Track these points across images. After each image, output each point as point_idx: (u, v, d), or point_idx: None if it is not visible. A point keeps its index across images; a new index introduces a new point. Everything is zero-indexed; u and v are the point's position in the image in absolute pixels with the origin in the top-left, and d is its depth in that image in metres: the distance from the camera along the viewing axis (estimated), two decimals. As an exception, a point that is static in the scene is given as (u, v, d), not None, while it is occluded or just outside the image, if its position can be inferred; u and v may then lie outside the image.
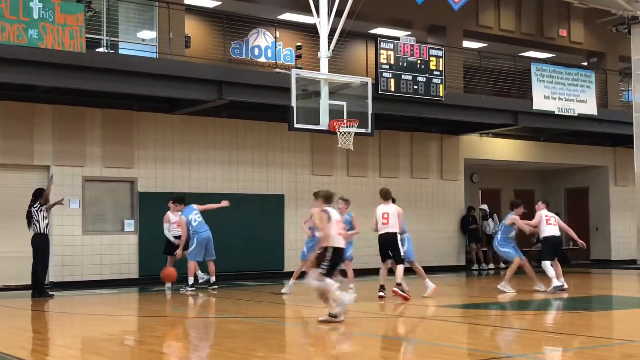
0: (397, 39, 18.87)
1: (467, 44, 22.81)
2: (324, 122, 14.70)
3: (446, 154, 21.95)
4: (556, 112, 20.94)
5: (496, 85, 21.72)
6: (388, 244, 12.96)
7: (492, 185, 25.84)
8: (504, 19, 22.93)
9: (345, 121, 14.76)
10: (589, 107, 21.58)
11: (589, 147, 24.81)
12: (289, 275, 18.37)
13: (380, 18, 21.00)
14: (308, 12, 15.45)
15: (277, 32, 19.28)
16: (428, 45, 19.35)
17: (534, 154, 24.07)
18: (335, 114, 14.83)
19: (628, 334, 9.56)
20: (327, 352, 8.39)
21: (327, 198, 10.41)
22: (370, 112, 15.19)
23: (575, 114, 21.30)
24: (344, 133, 14.77)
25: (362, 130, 15.09)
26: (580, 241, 14.52)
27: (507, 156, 23.68)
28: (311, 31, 16.55)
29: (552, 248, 14.34)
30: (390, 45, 18.40)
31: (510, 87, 21.63)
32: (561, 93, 21.02)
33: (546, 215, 14.49)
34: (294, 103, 14.27)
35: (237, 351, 8.01)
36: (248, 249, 18.30)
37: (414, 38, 19.24)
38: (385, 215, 12.89)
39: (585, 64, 25.29)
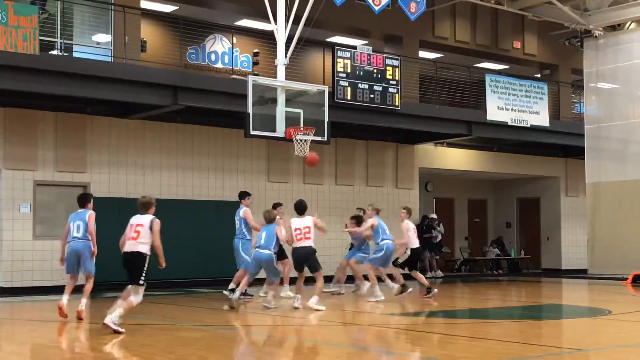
0: (354, 47, 18.97)
1: (423, 54, 23.03)
2: (280, 130, 14.69)
3: (401, 163, 22.11)
4: (509, 123, 21.26)
5: (451, 96, 21.96)
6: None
7: (446, 194, 26.11)
8: (459, 30, 23.21)
9: (301, 129, 14.77)
10: (542, 119, 21.95)
11: (541, 158, 25.23)
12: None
13: (338, 27, 21.09)
14: (266, 19, 15.45)
15: (234, 38, 19.23)
16: (384, 55, 19.50)
17: (487, 164, 24.39)
18: (291, 121, 14.83)
19: (577, 343, 9.72)
20: (280, 360, 8.37)
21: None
22: (326, 120, 15.23)
23: (528, 125, 21.64)
24: (301, 141, 14.78)
25: (319, 138, 15.11)
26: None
27: (461, 166, 23.96)
28: (269, 38, 16.55)
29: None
30: (347, 54, 18.50)
31: (464, 98, 21.90)
32: (514, 104, 21.35)
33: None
34: (250, 110, 14.23)
35: (189, 359, 7.94)
36: (203, 256, 18.16)
37: (371, 47, 19.38)
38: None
39: (539, 76, 25.72)
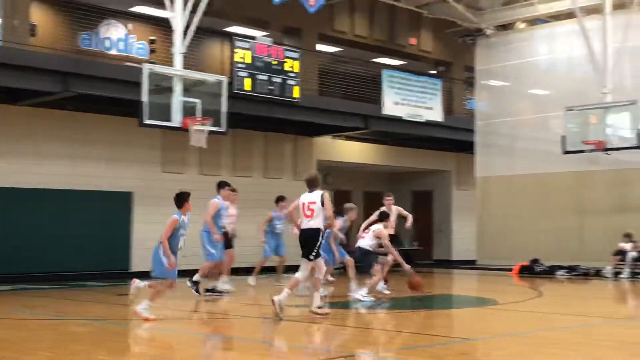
0: (254, 38, 18.88)
1: (322, 47, 23.17)
2: (176, 119, 14.43)
3: (300, 155, 22.20)
4: (405, 118, 21.67)
5: (349, 90, 22.20)
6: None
7: (344, 186, 26.39)
8: (358, 25, 23.46)
9: (198, 119, 14.59)
10: (436, 114, 22.48)
11: (434, 152, 25.85)
12: (135, 275, 17.99)
13: (237, 17, 20.94)
14: (162, 6, 15.15)
15: (130, 25, 18.78)
16: (284, 47, 19.50)
17: (383, 157, 24.81)
18: (188, 111, 14.59)
19: (465, 332, 10.04)
20: (168, 355, 8.26)
21: None
22: (224, 110, 15.08)
23: (423, 120, 22.13)
24: (197, 131, 14.59)
25: (216, 129, 14.94)
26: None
27: (358, 158, 24.28)
28: (166, 26, 16.24)
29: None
30: (247, 45, 18.40)
31: (362, 92, 22.17)
32: (410, 99, 21.78)
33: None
34: (145, 98, 13.93)
35: (78, 354, 7.74)
36: (93, 248, 17.71)
37: (271, 39, 19.34)
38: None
39: (433, 72, 26.32)
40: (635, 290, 16.29)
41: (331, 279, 15.08)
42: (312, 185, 10.64)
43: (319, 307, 10.57)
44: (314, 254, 10.47)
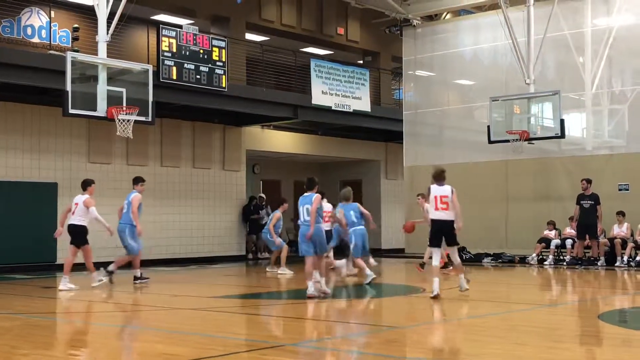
0: (180, 27, 18.63)
1: (249, 36, 23.03)
2: (101, 109, 14.16)
3: (228, 145, 22.04)
4: (333, 108, 21.76)
5: (278, 79, 22.13)
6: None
7: (273, 176, 26.36)
8: (285, 14, 23.39)
9: (124, 108, 14.33)
10: (364, 104, 22.64)
11: (363, 142, 26.03)
12: (61, 267, 17.61)
13: (163, 4, 20.62)
14: (86, -7, 14.81)
15: (53, 12, 18.27)
16: (211, 36, 19.30)
17: (313, 147, 24.86)
18: (114, 100, 14.34)
19: (394, 320, 10.16)
20: (95, 347, 8.11)
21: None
22: (150, 99, 14.87)
23: (351, 110, 22.26)
24: (123, 120, 14.34)
25: (143, 119, 14.73)
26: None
27: (288, 148, 24.26)
28: (90, 13, 15.87)
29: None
30: (173, 33, 18.16)
31: (290, 82, 22.14)
32: (338, 89, 21.87)
33: None
34: (69, 87, 13.62)
35: (0, 349, 7.52)
36: (16, 240, 17.23)
37: (197, 27, 19.11)
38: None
39: (361, 62, 26.47)
40: (558, 277, 16.77)
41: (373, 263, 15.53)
42: (441, 178, 11.51)
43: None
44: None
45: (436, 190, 11.39)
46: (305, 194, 11.84)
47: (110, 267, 13.82)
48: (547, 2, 19.89)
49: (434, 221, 11.51)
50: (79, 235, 13.25)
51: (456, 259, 11.79)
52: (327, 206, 14.92)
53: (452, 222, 11.40)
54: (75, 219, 13.31)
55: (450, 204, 11.27)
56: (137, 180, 14.62)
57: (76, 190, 18.24)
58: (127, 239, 13.97)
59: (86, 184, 13.67)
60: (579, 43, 20.08)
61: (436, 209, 11.34)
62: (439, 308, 11.20)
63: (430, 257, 12.49)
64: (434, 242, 11.54)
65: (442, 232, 11.42)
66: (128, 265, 14.49)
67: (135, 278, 14.26)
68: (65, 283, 13.11)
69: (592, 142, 20.33)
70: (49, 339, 8.83)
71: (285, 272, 16.04)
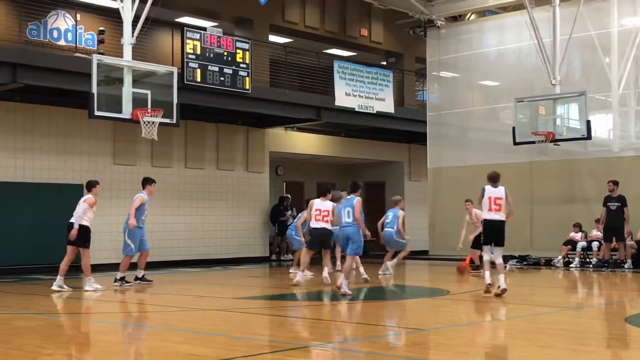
0: (204, 29, 18.71)
1: (273, 38, 23.07)
2: (126, 111, 14.25)
3: (252, 147, 22.10)
4: (357, 109, 21.73)
5: (301, 81, 22.15)
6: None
7: (296, 178, 26.37)
8: (308, 15, 23.40)
9: (149, 110, 14.42)
10: (387, 105, 22.59)
11: (386, 144, 25.97)
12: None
13: (187, 7, 20.73)
14: (111, -4, 14.93)
15: (78, 15, 18.44)
16: (235, 38, 19.37)
17: (336, 149, 24.85)
18: (139, 102, 14.42)
19: (418, 322, 10.12)
20: (119, 348, 8.16)
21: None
22: (175, 102, 14.93)
23: (374, 112, 22.22)
24: (148, 122, 14.43)
25: (167, 120, 14.79)
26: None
27: (311, 150, 24.27)
28: (115, 16, 15.99)
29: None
30: (197, 36, 18.24)
31: (314, 83, 22.15)
32: (361, 91, 21.84)
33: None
34: (94, 90, 13.71)
35: (25, 349, 7.60)
36: (43, 241, 17.38)
37: (221, 29, 19.19)
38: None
39: (385, 63, 26.41)
40: (584, 279, 16.61)
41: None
42: (496, 180, 11.95)
43: None
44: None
45: (491, 191, 11.81)
46: (348, 196, 12.67)
47: (119, 275, 13.92)
48: (572, 3, 19.73)
49: (487, 221, 11.90)
50: (80, 235, 13.24)
51: (499, 259, 12.05)
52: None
53: (503, 222, 11.89)
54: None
55: (503, 206, 11.75)
56: (146, 181, 14.51)
57: (102, 192, 18.47)
58: (125, 239, 14.03)
59: (91, 185, 13.74)
60: (605, 43, 19.88)
61: (490, 209, 11.77)
62: (463, 310, 11.15)
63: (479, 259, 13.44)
64: (487, 241, 11.98)
65: (494, 232, 11.83)
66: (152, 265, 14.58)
67: (136, 278, 14.23)
68: (90, 284, 13.22)
69: (618, 143, 20.11)
70: (73, 339, 8.89)
71: (306, 274, 15.92)
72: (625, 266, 17.81)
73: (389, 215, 16.54)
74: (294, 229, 16.46)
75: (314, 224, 13.67)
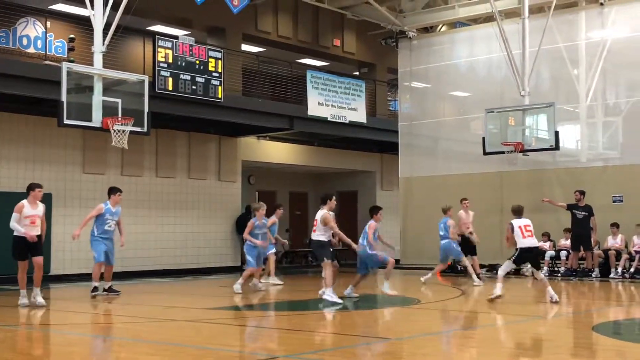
0: (176, 37, 18.67)
1: (246, 47, 23.07)
2: (96, 119, 14.18)
3: (224, 156, 22.05)
4: (329, 119, 21.80)
5: (274, 90, 22.16)
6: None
7: (269, 187, 26.35)
8: (281, 25, 23.45)
9: (119, 119, 14.34)
10: (359, 115, 22.68)
11: (358, 153, 26.06)
12: (55, 278, 17.62)
13: (159, 15, 20.67)
14: (82, 3, 14.83)
15: (49, 23, 18.31)
16: (207, 46, 19.34)
17: (309, 158, 24.88)
18: (109, 110, 14.35)
19: (389, 332, 10.14)
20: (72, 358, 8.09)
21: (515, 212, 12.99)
22: (146, 110, 14.88)
23: (347, 121, 22.29)
24: (118, 131, 14.35)
25: (138, 129, 14.73)
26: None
27: (283, 159, 24.28)
28: (86, 24, 15.91)
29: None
30: (169, 44, 18.19)
31: (286, 93, 22.18)
32: (334, 100, 21.91)
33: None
34: (64, 98, 13.63)
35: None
36: (10, 251, 17.13)
37: (193, 38, 19.15)
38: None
39: (357, 73, 26.52)
40: (552, 288, 16.71)
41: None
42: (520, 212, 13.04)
43: None
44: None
45: (518, 222, 12.83)
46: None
47: (94, 283, 13.77)
48: (541, 15, 19.98)
49: (524, 249, 12.68)
50: (13, 247, 12.77)
51: (540, 275, 13.17)
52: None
53: (538, 247, 13.47)
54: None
55: (533, 232, 12.75)
56: (111, 191, 14.25)
57: (71, 201, 18.34)
58: (91, 247, 13.91)
59: (29, 189, 13.13)
60: (573, 55, 20.16)
61: (524, 237, 12.65)
62: (434, 319, 11.20)
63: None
64: (519, 262, 13.49)
65: (533, 256, 12.99)
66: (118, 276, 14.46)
67: (103, 290, 13.94)
68: (20, 298, 12.52)
69: (586, 153, 20.38)
70: (41, 351, 8.80)
71: (276, 282, 16.03)
72: (593, 275, 18.02)
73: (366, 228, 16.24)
74: (248, 244, 15.17)
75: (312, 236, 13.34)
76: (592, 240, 18.19)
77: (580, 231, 18.09)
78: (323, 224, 12.76)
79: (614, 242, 18.37)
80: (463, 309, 11.91)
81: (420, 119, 23.11)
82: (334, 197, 13.37)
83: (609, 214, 18.66)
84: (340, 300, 12.51)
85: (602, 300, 14.45)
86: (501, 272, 12.88)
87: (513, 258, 12.87)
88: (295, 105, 21.73)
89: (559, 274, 18.65)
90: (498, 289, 12.56)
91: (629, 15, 19.77)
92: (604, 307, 13.30)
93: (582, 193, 18.20)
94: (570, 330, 10.45)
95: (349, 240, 13.04)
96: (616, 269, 17.91)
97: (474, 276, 16.53)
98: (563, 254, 18.76)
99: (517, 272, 19.40)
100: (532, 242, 12.72)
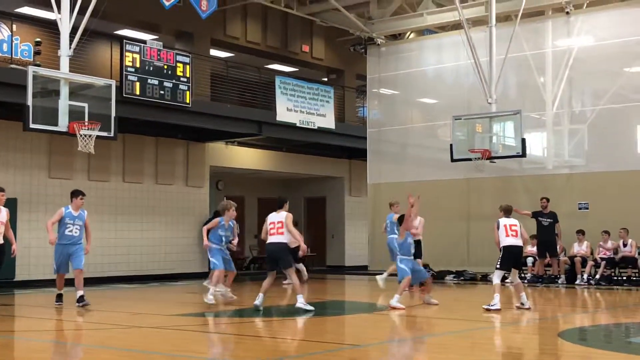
0: (144, 42, 18.54)
1: (214, 52, 22.98)
2: (63, 124, 14.04)
3: (192, 161, 21.94)
4: (298, 125, 21.78)
5: (242, 95, 22.11)
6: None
7: (237, 192, 26.23)
8: (250, 30, 23.41)
9: (86, 123, 14.21)
10: (328, 121, 22.71)
11: (327, 159, 26.09)
12: (20, 284, 17.39)
13: (127, 20, 20.52)
14: (49, 7, 14.67)
15: (14, 26, 18.08)
16: (175, 51, 19.25)
17: (277, 164, 24.84)
18: (76, 115, 14.22)
19: (356, 338, 10.15)
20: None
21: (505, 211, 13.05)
22: (113, 115, 14.77)
23: (315, 127, 22.31)
24: (85, 136, 14.21)
25: (105, 134, 14.62)
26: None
27: (252, 165, 24.21)
28: (52, 27, 15.75)
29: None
30: (137, 48, 18.07)
31: (255, 98, 22.13)
32: (303, 106, 21.91)
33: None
34: (30, 102, 13.48)
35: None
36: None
37: (161, 43, 19.05)
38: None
39: (326, 79, 26.56)
40: (518, 295, 16.84)
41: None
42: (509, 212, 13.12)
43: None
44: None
45: (505, 220, 12.93)
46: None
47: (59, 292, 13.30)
48: (508, 23, 20.18)
49: (506, 247, 12.74)
50: None
51: (516, 279, 13.17)
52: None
53: (521, 247, 13.02)
54: None
55: (518, 232, 12.78)
56: (73, 195, 13.48)
57: (37, 206, 18.10)
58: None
59: None
60: (539, 64, 20.39)
61: (507, 235, 12.73)
62: (402, 326, 11.22)
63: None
64: (505, 266, 12.86)
65: (514, 256, 12.86)
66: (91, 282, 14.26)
67: (59, 297, 13.29)
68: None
69: (552, 161, 20.60)
70: (1, 357, 8.66)
71: (220, 290, 14.91)
72: (559, 281, 18.21)
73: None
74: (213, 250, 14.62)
75: (269, 239, 12.80)
76: (557, 247, 18.38)
77: (546, 238, 18.29)
78: (293, 225, 12.59)
79: (579, 249, 18.59)
80: (431, 315, 11.94)
81: (388, 125, 23.20)
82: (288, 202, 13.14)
83: (575, 221, 18.87)
84: (311, 308, 12.36)
85: (568, 307, 14.60)
86: (495, 279, 12.85)
87: (498, 263, 12.85)
88: (263, 110, 21.69)
89: (526, 281, 18.79)
90: (497, 301, 12.38)
91: (594, 25, 20.04)
92: (570, 313, 13.44)
93: (548, 200, 18.41)
94: (536, 336, 10.54)
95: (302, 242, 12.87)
96: (582, 275, 18.12)
97: (385, 274, 16.60)
98: (529, 260, 18.92)
99: (484, 278, 19.56)
100: (514, 241, 12.76)
